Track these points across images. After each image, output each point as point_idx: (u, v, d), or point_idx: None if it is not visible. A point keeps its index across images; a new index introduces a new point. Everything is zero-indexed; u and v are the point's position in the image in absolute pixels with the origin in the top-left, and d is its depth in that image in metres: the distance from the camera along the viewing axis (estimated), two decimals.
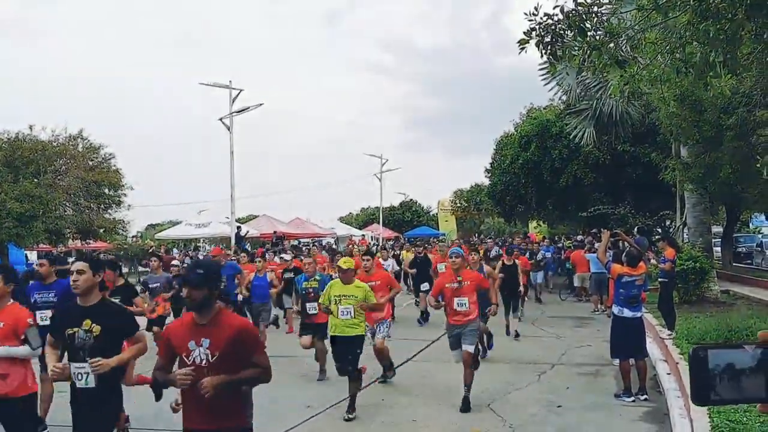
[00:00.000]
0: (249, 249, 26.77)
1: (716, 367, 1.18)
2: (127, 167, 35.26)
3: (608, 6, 6.91)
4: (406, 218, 68.20)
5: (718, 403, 1.21)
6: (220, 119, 31.56)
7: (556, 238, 33.83)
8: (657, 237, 16.42)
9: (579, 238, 26.06)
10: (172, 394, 5.56)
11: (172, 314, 12.59)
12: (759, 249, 30.95)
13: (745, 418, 6.53)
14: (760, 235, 35.01)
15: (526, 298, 16.62)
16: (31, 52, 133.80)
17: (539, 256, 21.86)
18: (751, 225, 40.50)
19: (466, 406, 8.28)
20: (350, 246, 25.05)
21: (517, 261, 14.77)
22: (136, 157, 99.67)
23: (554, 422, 7.78)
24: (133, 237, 44.94)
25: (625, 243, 13.46)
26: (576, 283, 20.60)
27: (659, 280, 13.29)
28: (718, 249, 26.95)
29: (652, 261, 14.95)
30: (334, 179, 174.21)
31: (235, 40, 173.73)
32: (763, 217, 34.25)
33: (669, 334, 11.75)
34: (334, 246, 32.95)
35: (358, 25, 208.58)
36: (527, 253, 20.46)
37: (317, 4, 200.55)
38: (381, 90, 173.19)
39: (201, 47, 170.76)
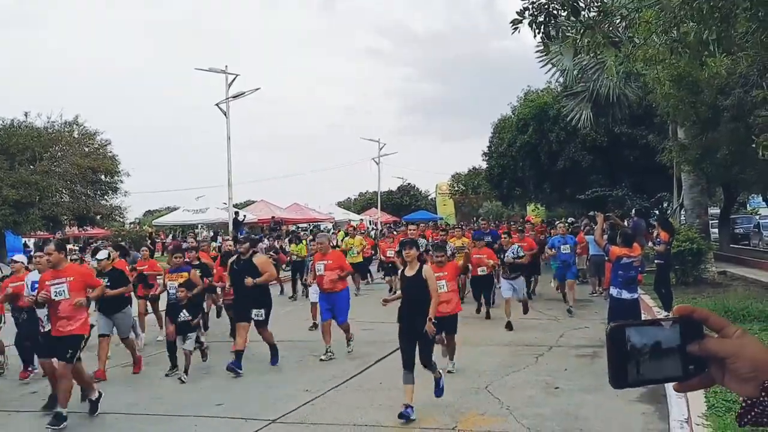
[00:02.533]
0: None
1: (635, 346, 1.12)
2: (124, 154, 35.29)
3: None
4: (404, 202, 68.23)
5: (635, 384, 1.13)
6: (217, 104, 31.49)
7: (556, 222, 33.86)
8: (655, 219, 16.32)
9: (570, 220, 26.01)
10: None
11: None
12: (756, 230, 30.96)
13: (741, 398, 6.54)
14: (757, 217, 34.98)
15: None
16: (27, 39, 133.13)
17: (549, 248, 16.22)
18: (748, 206, 40.56)
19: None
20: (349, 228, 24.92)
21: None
22: (133, 143, 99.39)
23: (552, 404, 7.80)
24: (131, 223, 44.92)
25: (617, 226, 13.55)
26: (579, 265, 20.60)
27: (656, 261, 13.35)
28: (716, 230, 26.96)
29: (649, 244, 14.97)
30: (332, 164, 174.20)
31: (231, 28, 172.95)
32: (760, 199, 34.24)
33: (666, 315, 11.80)
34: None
35: (353, 10, 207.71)
36: (496, 243, 15.00)
37: None
38: (378, 75, 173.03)
39: (197, 34, 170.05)
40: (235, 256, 10.54)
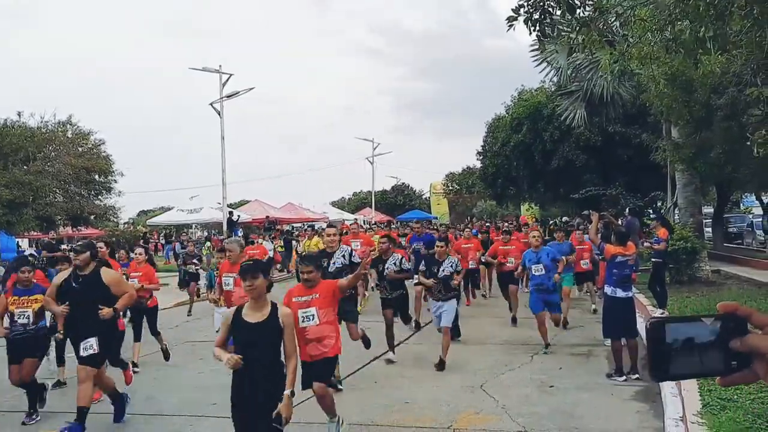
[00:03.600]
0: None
1: (674, 341, 1.14)
2: (117, 153, 35.19)
3: None
4: (398, 202, 68.24)
5: (677, 378, 1.17)
6: (211, 104, 31.42)
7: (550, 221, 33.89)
8: (653, 217, 16.24)
9: (565, 219, 26.08)
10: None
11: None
12: (749, 229, 31.07)
13: (735, 396, 6.57)
14: (750, 215, 35.11)
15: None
16: (19, 38, 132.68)
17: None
18: (741, 205, 40.66)
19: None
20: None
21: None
22: (127, 143, 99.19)
23: (547, 402, 7.80)
24: (125, 223, 44.85)
25: (612, 225, 13.57)
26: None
27: (652, 260, 13.36)
28: (709, 229, 27.04)
29: (646, 244, 14.97)
30: (326, 163, 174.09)
31: (224, 27, 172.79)
32: (753, 197, 34.32)
33: (661, 312, 11.82)
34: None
35: (347, 9, 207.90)
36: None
37: None
38: (371, 74, 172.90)
39: (191, 33, 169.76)
40: (69, 271, 7.48)
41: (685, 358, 1.13)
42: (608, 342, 9.60)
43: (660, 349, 1.14)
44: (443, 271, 9.78)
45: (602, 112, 21.69)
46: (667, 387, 7.50)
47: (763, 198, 26.64)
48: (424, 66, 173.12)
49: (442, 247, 10.10)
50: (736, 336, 1.13)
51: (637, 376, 8.74)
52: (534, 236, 11.40)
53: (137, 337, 10.24)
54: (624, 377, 8.74)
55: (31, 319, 7.67)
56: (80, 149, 29.85)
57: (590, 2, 5.69)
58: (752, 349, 1.12)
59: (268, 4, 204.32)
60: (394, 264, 10.30)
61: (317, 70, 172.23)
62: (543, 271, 10.62)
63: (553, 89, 26.66)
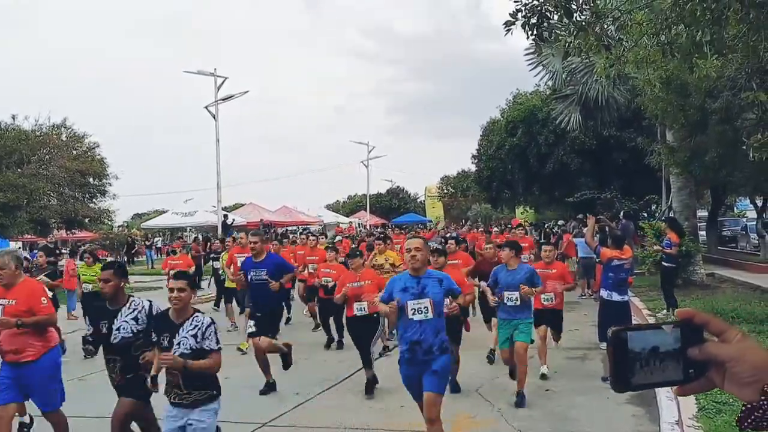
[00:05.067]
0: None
1: (636, 350, 1.12)
2: (112, 156, 35.09)
3: None
4: (393, 205, 68.30)
5: (638, 388, 1.14)
6: (206, 107, 31.41)
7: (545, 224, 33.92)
8: (663, 219, 16.16)
9: (560, 222, 26.14)
10: None
11: None
12: (744, 233, 31.12)
13: (731, 399, 6.57)
14: (744, 219, 35.16)
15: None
16: (13, 41, 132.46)
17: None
18: (736, 209, 40.75)
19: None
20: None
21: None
22: (121, 146, 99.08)
23: (543, 406, 7.80)
24: (119, 226, 44.75)
25: (607, 228, 13.57)
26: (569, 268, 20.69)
27: (663, 264, 13.26)
28: (704, 233, 27.09)
29: (656, 247, 14.88)
30: (321, 166, 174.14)
31: (216, 29, 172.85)
32: (747, 201, 34.42)
33: (665, 313, 12.00)
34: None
35: (338, 12, 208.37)
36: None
37: None
38: (364, 76, 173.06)
39: (184, 36, 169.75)
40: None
41: (646, 367, 1.11)
42: (604, 345, 9.61)
43: (622, 359, 1.12)
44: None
45: (597, 115, 21.76)
46: (663, 391, 7.51)
47: (757, 201, 26.70)
48: (417, 67, 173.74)
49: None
50: (694, 344, 1.12)
51: None
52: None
53: None
54: None
55: None
56: (75, 152, 29.74)
57: (587, 7, 5.70)
58: (709, 358, 1.10)
59: (260, 6, 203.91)
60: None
61: (309, 74, 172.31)
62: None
63: (547, 93, 26.74)
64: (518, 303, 7.83)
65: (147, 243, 40.87)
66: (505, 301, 7.90)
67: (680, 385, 1.14)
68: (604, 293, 9.32)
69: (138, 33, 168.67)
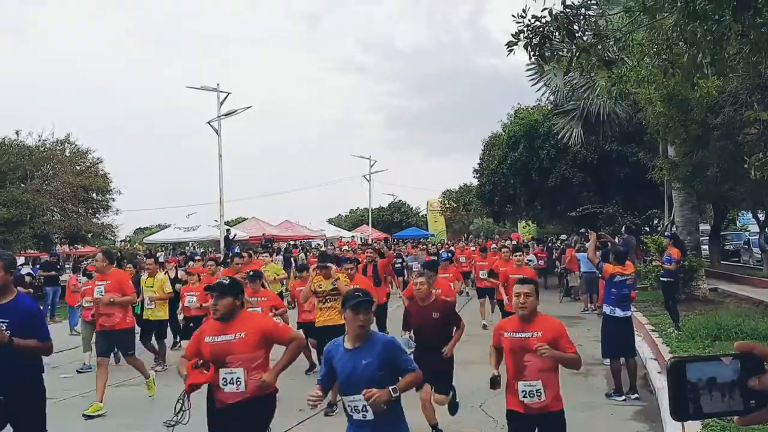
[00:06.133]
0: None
1: (694, 381, 1.16)
2: (114, 171, 35.07)
3: (596, 8, 6.93)
4: (395, 219, 68.33)
5: (697, 417, 1.18)
6: (209, 122, 31.49)
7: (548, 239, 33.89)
8: (666, 235, 16.15)
9: (562, 237, 26.14)
10: None
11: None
12: (746, 247, 31.10)
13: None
14: (747, 233, 35.16)
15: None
16: (14, 55, 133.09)
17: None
18: (738, 223, 40.72)
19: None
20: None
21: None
22: (123, 161, 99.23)
23: None
24: (121, 241, 44.74)
25: (609, 243, 13.61)
26: (571, 282, 20.73)
27: (662, 279, 13.31)
28: (706, 247, 27.09)
29: (655, 262, 14.93)
30: (323, 180, 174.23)
31: (212, 38, 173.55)
32: (750, 215, 34.42)
33: (673, 330, 11.99)
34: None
35: (337, 26, 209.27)
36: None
37: (296, 4, 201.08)
38: (363, 91, 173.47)
39: (186, 52, 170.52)
40: None
41: (705, 398, 1.15)
42: (607, 362, 9.63)
43: (680, 389, 1.16)
44: None
45: (599, 130, 21.81)
46: (667, 407, 7.51)
47: (759, 215, 26.69)
48: (416, 82, 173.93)
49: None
50: (754, 375, 1.15)
51: (636, 395, 8.75)
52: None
53: None
54: (623, 397, 8.75)
55: None
56: (78, 167, 29.85)
57: (590, 28, 5.76)
58: None
59: (258, 21, 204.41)
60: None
61: (309, 88, 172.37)
62: None
63: (549, 107, 26.83)
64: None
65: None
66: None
67: (741, 415, 1.17)
68: (607, 309, 9.34)
69: (139, 49, 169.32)
